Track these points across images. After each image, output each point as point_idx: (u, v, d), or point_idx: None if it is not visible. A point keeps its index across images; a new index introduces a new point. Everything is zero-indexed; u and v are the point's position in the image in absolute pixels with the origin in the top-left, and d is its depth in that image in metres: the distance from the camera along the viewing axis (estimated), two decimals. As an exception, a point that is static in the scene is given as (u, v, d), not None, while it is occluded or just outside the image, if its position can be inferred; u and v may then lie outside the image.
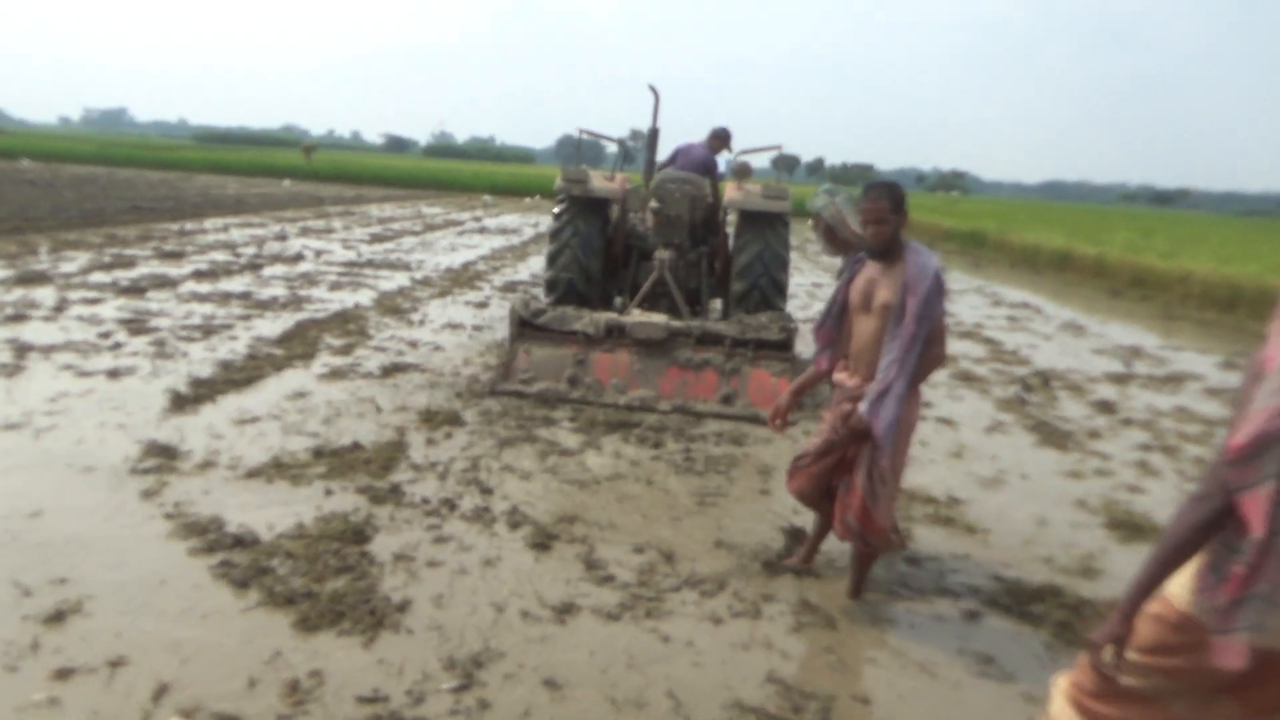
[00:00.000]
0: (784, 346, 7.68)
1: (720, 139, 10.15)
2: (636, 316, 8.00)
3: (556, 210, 9.24)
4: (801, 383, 4.13)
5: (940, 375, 9.26)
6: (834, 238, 4.20)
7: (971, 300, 15.86)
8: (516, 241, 20.21)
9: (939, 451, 6.68)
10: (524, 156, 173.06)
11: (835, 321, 4.00)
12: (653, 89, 10.64)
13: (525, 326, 7.67)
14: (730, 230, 9.71)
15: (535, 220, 27.92)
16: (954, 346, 11.07)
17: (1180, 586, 2.13)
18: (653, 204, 9.51)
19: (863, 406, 3.72)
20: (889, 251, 3.80)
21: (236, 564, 4.04)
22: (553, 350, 7.49)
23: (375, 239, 18.45)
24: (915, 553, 4.82)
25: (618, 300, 9.56)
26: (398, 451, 5.57)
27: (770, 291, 8.86)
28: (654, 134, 10.74)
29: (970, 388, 8.90)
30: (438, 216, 26.65)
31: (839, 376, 3.98)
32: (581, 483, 5.51)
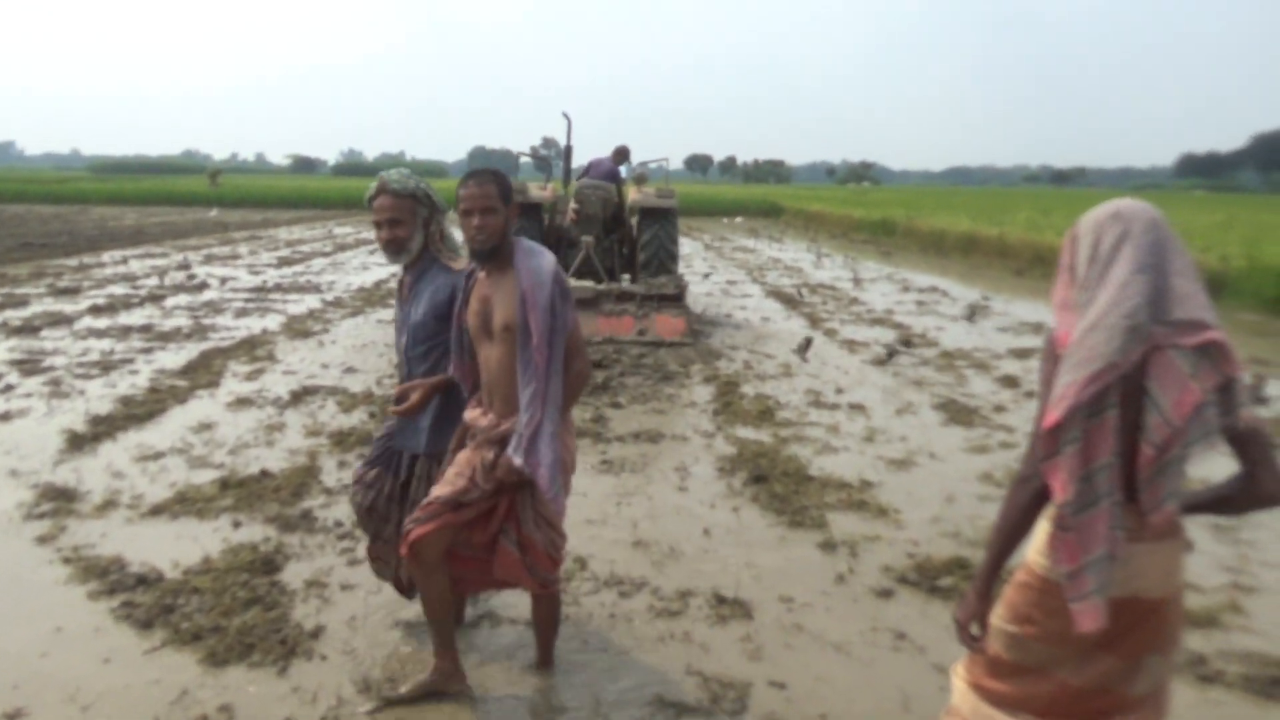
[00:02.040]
0: (678, 298, 10.68)
1: (621, 154, 13.18)
2: (573, 283, 10.93)
3: None
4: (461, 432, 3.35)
5: (853, 361, 9.56)
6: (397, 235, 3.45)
7: (882, 287, 16.26)
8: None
9: (850, 437, 6.84)
10: (436, 170, 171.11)
11: (470, 351, 3.31)
12: (565, 115, 13.52)
13: None
14: (634, 222, 12.49)
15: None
16: (865, 333, 11.39)
17: (1038, 553, 2.23)
18: (574, 206, 12.45)
19: (514, 455, 3.06)
20: (498, 254, 3.16)
21: (139, 604, 3.92)
22: None
23: (284, 262, 18.06)
24: (829, 538, 4.93)
25: None
26: (309, 477, 5.47)
27: (666, 262, 11.87)
28: (569, 151, 13.92)
29: (883, 372, 9.12)
30: (349, 236, 26.21)
31: (472, 415, 3.24)
32: (498, 494, 5.50)
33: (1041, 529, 2.25)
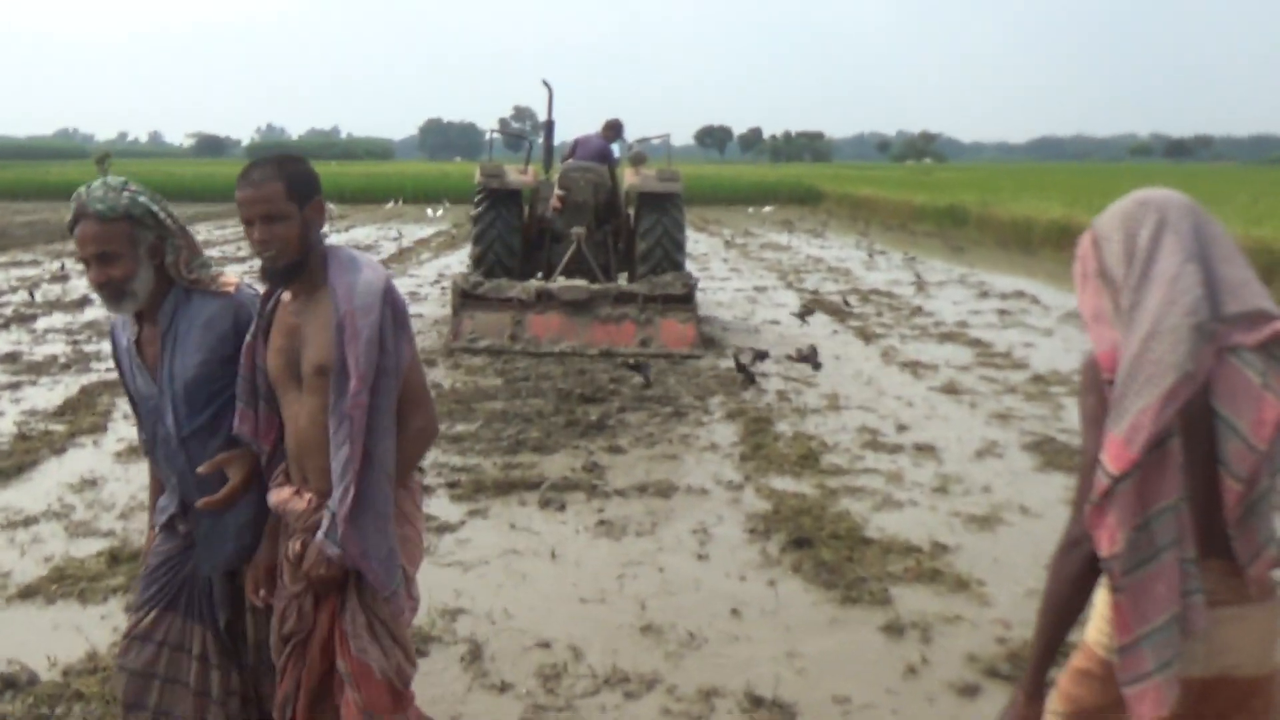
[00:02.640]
0: (686, 299, 11.33)
1: (614, 129, 13.59)
2: (562, 283, 11.50)
3: (477, 203, 12.75)
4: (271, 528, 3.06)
5: (918, 389, 9.58)
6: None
7: (953, 293, 16.29)
8: (374, 261, 20.23)
9: (918, 488, 6.83)
10: (380, 150, 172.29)
11: (268, 400, 2.99)
12: (546, 84, 13.76)
13: (466, 297, 11.27)
14: (631, 212, 13.11)
15: (397, 232, 27.96)
16: (933, 351, 11.45)
17: (1099, 632, 2.27)
18: (559, 192, 13.01)
19: (327, 544, 2.78)
20: (298, 272, 2.88)
21: (7, 716, 3.89)
22: (492, 315, 11.15)
23: (187, 270, 18.12)
24: (894, 619, 4.91)
25: (538, 276, 12.89)
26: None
27: (671, 257, 12.41)
28: (550, 126, 14.21)
29: (956, 402, 9.13)
30: (270, 235, 26.48)
31: (281, 496, 2.94)
32: (465, 564, 5.51)
33: (1102, 600, 2.27)
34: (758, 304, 15.05)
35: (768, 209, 37.12)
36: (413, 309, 14.12)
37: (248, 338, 2.96)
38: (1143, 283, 2.12)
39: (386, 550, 2.79)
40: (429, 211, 33.27)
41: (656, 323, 11.11)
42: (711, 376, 9.93)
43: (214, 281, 3.11)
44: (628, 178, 13.10)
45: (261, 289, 3.04)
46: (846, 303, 14.88)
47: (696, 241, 25.64)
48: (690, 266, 15.64)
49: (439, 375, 9.92)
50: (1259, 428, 2.02)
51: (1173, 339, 2.06)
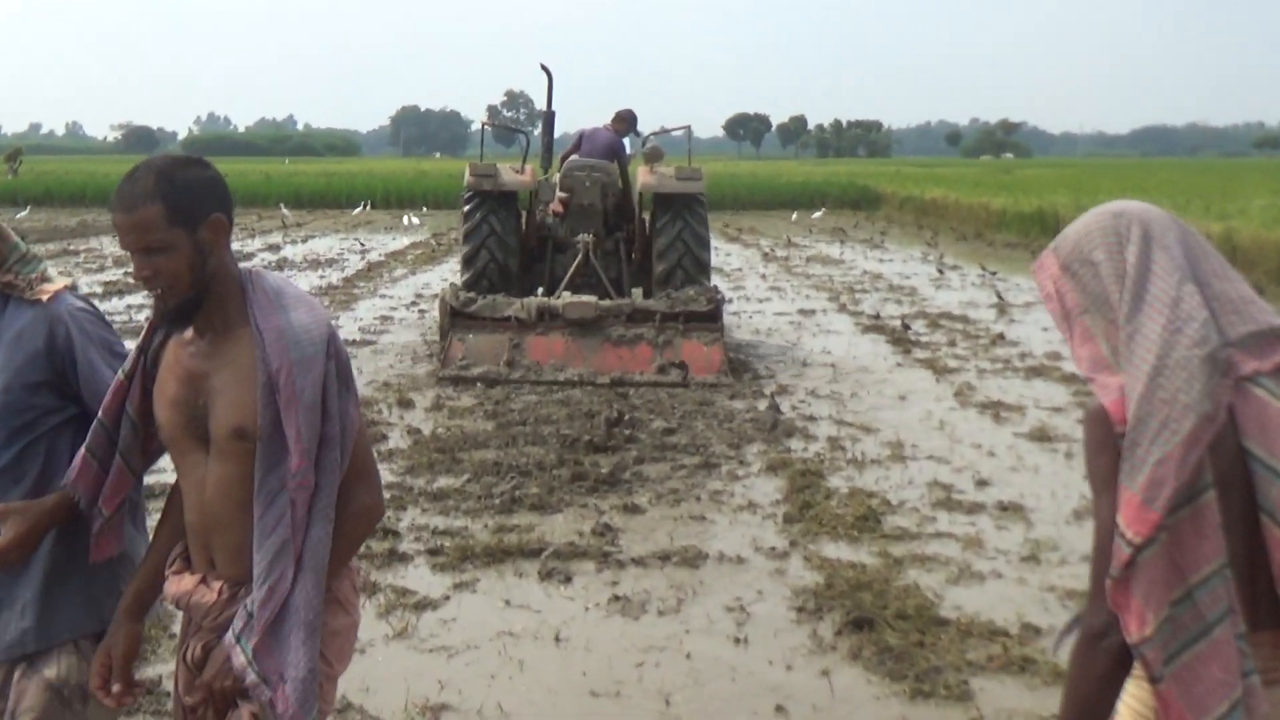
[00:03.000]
0: (712, 317, 11.79)
1: (625, 121, 14.12)
2: (567, 299, 11.83)
3: (467, 208, 13.28)
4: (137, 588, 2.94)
5: (1002, 436, 9.56)
6: None
7: (1042, 318, 16.28)
8: (336, 278, 20.33)
9: (1002, 556, 6.82)
10: (343, 145, 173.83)
11: (128, 450, 2.88)
12: (545, 68, 14.11)
13: (457, 316, 11.62)
14: (646, 216, 13.63)
15: (362, 244, 28.23)
16: (1019, 390, 11.45)
17: None
18: (561, 194, 13.47)
19: (235, 650, 2.69)
20: (193, 309, 2.72)
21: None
22: (487, 337, 11.53)
23: (109, 292, 18.26)
24: (976, 717, 4.88)
25: (539, 292, 13.32)
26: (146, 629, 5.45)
27: (693, 270, 12.85)
28: (550, 118, 14.56)
29: (1048, 452, 9.11)
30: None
31: (181, 585, 2.83)
32: (450, 649, 5.51)
33: (1133, 696, 2.28)
34: (804, 330, 15.07)
35: (816, 214, 37.21)
36: (387, 337, 14.19)
37: (119, 375, 2.82)
38: (1137, 309, 2.20)
39: (306, 670, 2.63)
40: (404, 219, 33.48)
41: (677, 345, 11.51)
42: (748, 420, 9.94)
43: (30, 286, 2.94)
44: (641, 177, 13.42)
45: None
46: (905, 326, 14.86)
47: (728, 254, 25.71)
48: (720, 283, 15.75)
49: (417, 418, 9.95)
50: None
51: (1184, 375, 2.11)
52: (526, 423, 9.67)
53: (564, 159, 13.98)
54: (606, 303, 11.87)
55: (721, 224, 34.96)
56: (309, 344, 2.68)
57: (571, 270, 12.95)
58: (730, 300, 17.13)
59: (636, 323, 11.62)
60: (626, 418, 9.58)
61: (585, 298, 11.95)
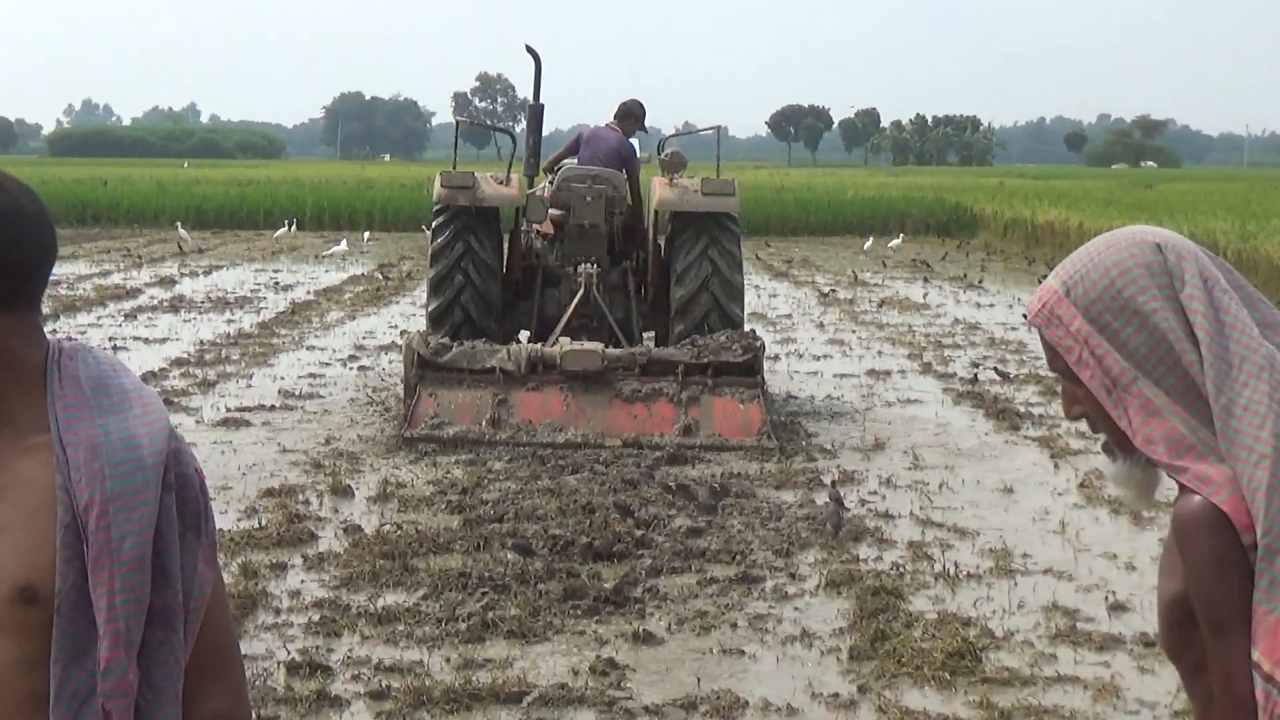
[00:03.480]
0: (749, 369, 12.28)
1: (631, 116, 14.56)
2: (566, 346, 12.36)
3: (436, 224, 13.66)
4: None
5: (1143, 543, 9.51)
6: None
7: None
8: (249, 324, 20.44)
9: (1150, 710, 6.80)
10: (262, 144, 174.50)
11: None
12: (531, 51, 14.59)
13: (427, 367, 12.08)
14: (662, 241, 14.22)
15: (279, 274, 28.40)
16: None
17: None
18: (554, 211, 13.80)
19: None
20: None
21: None
22: (464, 393, 12.08)
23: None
24: None
25: (523, 336, 13.98)
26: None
27: (722, 310, 13.31)
28: (537, 113, 14.87)
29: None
30: (77, 283, 26.86)
31: None
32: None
33: None
34: (875, 397, 15.05)
35: (892, 243, 37.02)
36: (315, 402, 14.21)
37: None
38: (1226, 374, 2.30)
39: None
40: (339, 246, 33.45)
41: (705, 403, 12.01)
42: (800, 517, 9.93)
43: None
44: (657, 190, 13.74)
45: None
46: (1002, 375, 14.81)
47: (773, 295, 25.85)
48: (761, 331, 15.75)
49: (357, 510, 9.95)
50: None
51: None
52: (504, 518, 9.64)
53: (553, 165, 14.28)
54: (615, 351, 12.28)
55: (764, 253, 35.04)
56: (136, 467, 2.29)
57: (570, 309, 13.28)
58: (776, 356, 17.12)
59: (653, 375, 12.06)
60: (636, 512, 9.59)
61: (588, 345, 12.36)
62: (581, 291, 13.31)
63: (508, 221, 14.32)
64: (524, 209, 13.94)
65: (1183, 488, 2.32)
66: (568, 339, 12.83)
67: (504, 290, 13.72)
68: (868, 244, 36.72)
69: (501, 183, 13.63)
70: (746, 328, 13.25)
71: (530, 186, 14.47)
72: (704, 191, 13.40)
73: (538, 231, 14.08)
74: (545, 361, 12.03)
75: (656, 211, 13.95)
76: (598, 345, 12.37)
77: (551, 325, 13.40)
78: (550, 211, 13.62)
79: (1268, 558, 2.18)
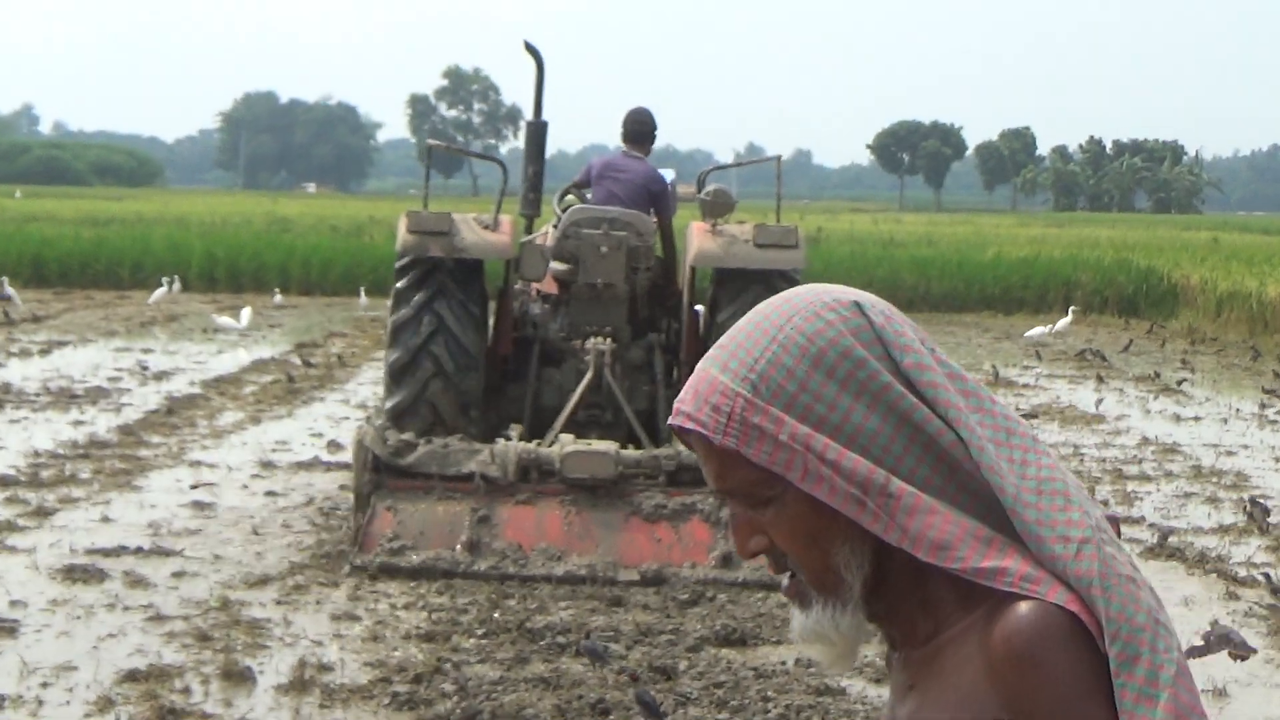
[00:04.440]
0: None
1: (647, 133, 15.04)
2: (568, 445, 12.87)
3: (400, 286, 14.15)
4: None
5: None
6: None
7: None
8: (104, 428, 20.51)
9: None
10: (130, 166, 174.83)
11: None
12: (531, 50, 15.37)
13: (383, 471, 12.71)
14: (701, 308, 14.82)
15: (151, 355, 28.60)
16: None
17: None
18: (559, 265, 14.26)
19: None
20: None
21: None
22: (432, 506, 12.73)
23: None
24: None
25: (513, 432, 14.75)
26: None
27: None
28: (539, 133, 15.48)
29: None
30: None
31: None
32: None
33: None
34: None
35: (1056, 326, 36.74)
36: (200, 548, 14.20)
37: None
38: (999, 447, 2.48)
39: None
40: (239, 316, 33.43)
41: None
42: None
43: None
44: (695, 240, 14.18)
45: None
46: (1253, 567, 14.76)
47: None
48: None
49: (256, 706, 9.94)
50: None
51: (1112, 542, 2.44)
52: (475, 722, 9.67)
53: (562, 201, 14.73)
54: (634, 453, 12.68)
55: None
56: None
57: (576, 397, 13.64)
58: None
59: (683, 486, 12.45)
60: (665, 712, 9.60)
61: (598, 444, 12.71)
62: (590, 373, 13.64)
63: (496, 279, 14.73)
64: (517, 262, 14.14)
65: (999, 601, 2.39)
66: (571, 436, 13.13)
67: (491, 371, 14.14)
68: (1037, 331, 35.95)
69: (488, 227, 13.89)
70: None
71: (529, 231, 14.82)
72: (757, 242, 13.73)
73: (537, 292, 14.51)
74: (541, 466, 12.43)
75: (694, 268, 14.36)
76: (611, 445, 12.70)
77: (551, 418, 13.72)
78: (552, 266, 13.94)
79: (1126, 666, 2.31)
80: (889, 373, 2.45)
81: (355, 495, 12.94)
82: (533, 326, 14.39)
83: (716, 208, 14.38)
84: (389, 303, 14.05)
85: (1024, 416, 23.78)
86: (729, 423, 2.46)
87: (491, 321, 14.30)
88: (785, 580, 2.55)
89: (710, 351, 2.49)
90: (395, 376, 13.62)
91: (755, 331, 2.48)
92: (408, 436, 12.71)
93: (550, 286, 14.26)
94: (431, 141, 17.20)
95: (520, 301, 14.57)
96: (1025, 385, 28.18)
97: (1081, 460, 20.28)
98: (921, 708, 2.52)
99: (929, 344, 2.54)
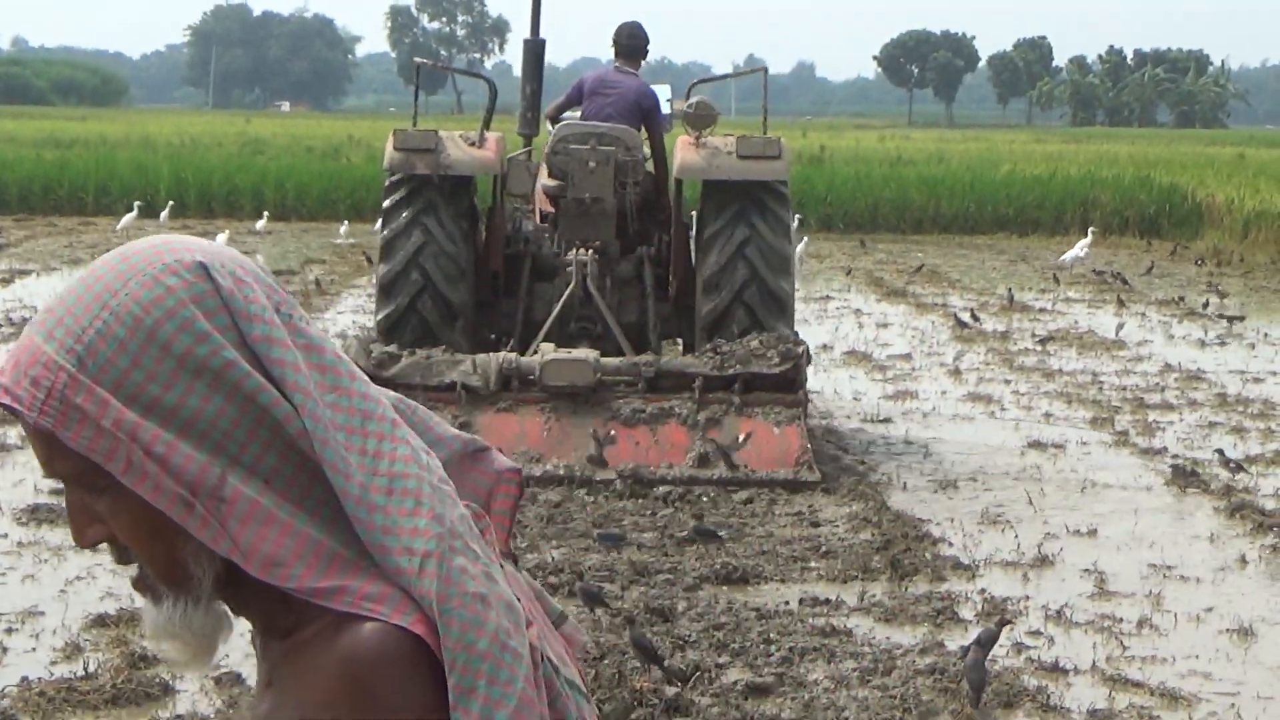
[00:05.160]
0: (787, 382, 13.49)
1: (639, 47, 15.71)
2: (548, 354, 13.52)
3: (389, 203, 14.88)
4: None
5: None
6: None
7: None
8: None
9: None
10: (94, 84, 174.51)
11: None
12: None
13: (372, 380, 12.11)
14: (692, 220, 15.57)
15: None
16: None
17: None
18: (549, 182, 15.04)
19: None
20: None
21: None
22: None
23: None
24: None
25: (508, 344, 15.17)
26: None
27: (764, 308, 14.39)
28: (536, 52, 16.15)
29: None
30: None
31: None
32: None
33: None
34: (1045, 481, 14.99)
35: (1075, 251, 36.44)
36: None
37: None
38: (352, 435, 2.33)
39: None
40: (386, 200, 33.38)
41: (728, 426, 13.03)
42: (922, 671, 9.97)
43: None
44: (679, 153, 14.67)
45: None
46: (1221, 461, 14.76)
47: (882, 323, 26.13)
48: (867, 381, 15.76)
49: (233, 648, 9.96)
50: None
51: (473, 550, 2.32)
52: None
53: (553, 118, 15.15)
54: (612, 360, 13.26)
55: (868, 261, 35.03)
56: None
57: (558, 306, 14.29)
58: (888, 418, 17.14)
59: (662, 392, 13.03)
60: (667, 658, 9.66)
61: (578, 352, 13.32)
62: (573, 285, 14.24)
63: (487, 195, 15.26)
64: (506, 177, 14.75)
65: (337, 622, 2.27)
66: (552, 346, 13.78)
67: (481, 286, 14.71)
68: (1060, 265, 35.09)
69: (474, 144, 14.35)
70: (790, 331, 14.12)
71: (527, 148, 15.49)
72: (740, 154, 14.18)
73: (531, 209, 15.14)
74: (521, 375, 12.99)
75: (679, 181, 14.97)
76: (590, 353, 13.27)
77: (540, 328, 14.32)
78: (543, 182, 14.67)
79: (463, 699, 2.25)
80: (235, 346, 2.27)
81: None
82: (524, 242, 14.89)
83: (700, 120, 14.84)
84: (378, 223, 14.79)
85: (1040, 341, 23.94)
86: (47, 400, 2.23)
87: (482, 238, 14.87)
88: (134, 572, 2.38)
89: (38, 313, 2.29)
90: (385, 290, 14.19)
91: (86, 295, 2.26)
92: (392, 349, 13.22)
93: (544, 203, 14.79)
94: (418, 60, 17.98)
95: (514, 219, 15.10)
96: (1042, 310, 28.19)
97: (1100, 388, 20.33)
98: (273, 710, 2.38)
99: (288, 309, 2.36)
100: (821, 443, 14.76)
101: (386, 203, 14.57)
